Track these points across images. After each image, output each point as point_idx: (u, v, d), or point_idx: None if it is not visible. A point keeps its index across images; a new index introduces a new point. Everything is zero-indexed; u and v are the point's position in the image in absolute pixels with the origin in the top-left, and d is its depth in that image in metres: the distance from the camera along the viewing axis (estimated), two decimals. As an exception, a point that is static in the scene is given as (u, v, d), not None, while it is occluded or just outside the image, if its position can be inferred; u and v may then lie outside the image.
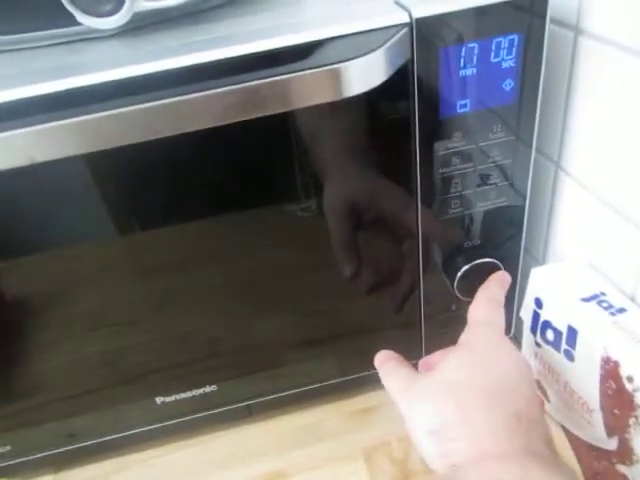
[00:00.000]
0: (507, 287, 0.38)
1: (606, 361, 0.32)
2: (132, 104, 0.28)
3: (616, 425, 0.33)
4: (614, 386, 0.32)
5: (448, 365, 0.32)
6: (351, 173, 0.38)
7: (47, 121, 0.28)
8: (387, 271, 0.43)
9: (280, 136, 0.35)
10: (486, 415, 0.28)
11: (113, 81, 0.30)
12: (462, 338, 0.34)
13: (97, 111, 0.28)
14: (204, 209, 0.38)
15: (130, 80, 0.30)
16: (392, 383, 0.34)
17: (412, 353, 0.48)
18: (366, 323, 0.46)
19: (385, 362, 0.36)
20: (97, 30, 0.33)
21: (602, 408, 0.33)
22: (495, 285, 0.37)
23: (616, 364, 0.31)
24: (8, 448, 0.44)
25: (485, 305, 0.35)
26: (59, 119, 0.28)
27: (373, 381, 0.49)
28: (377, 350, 0.47)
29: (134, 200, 0.37)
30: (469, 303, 0.44)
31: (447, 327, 0.46)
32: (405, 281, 0.43)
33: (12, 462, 0.45)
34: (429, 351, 0.47)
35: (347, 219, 0.39)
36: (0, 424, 0.43)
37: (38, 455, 0.46)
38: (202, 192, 0.38)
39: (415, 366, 0.48)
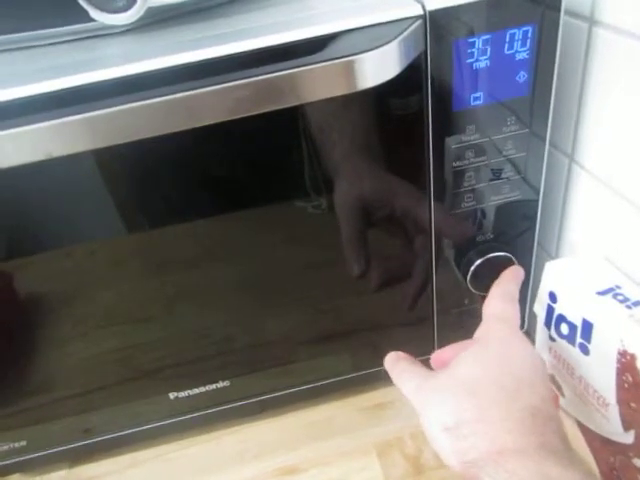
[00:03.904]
0: (521, 281, 0.38)
1: (623, 354, 0.31)
2: (146, 99, 0.28)
3: (633, 419, 0.32)
4: (631, 379, 0.31)
5: (463, 361, 0.31)
6: (363, 170, 0.38)
7: (62, 116, 0.28)
8: (397, 269, 0.43)
9: (291, 132, 0.35)
10: (501, 411, 0.28)
11: (127, 76, 0.30)
12: (477, 334, 0.34)
13: (111, 106, 0.28)
14: (216, 206, 0.38)
15: (143, 75, 0.30)
16: (405, 383, 0.34)
17: (424, 348, 0.47)
18: (379, 318, 0.46)
19: (396, 363, 0.36)
20: (110, 26, 0.33)
21: (618, 402, 0.33)
22: (509, 280, 0.37)
23: (633, 357, 0.31)
24: (23, 443, 0.45)
25: (499, 300, 0.35)
26: (74, 114, 0.28)
27: (386, 376, 0.49)
28: (390, 345, 0.47)
29: (146, 197, 0.37)
30: (482, 297, 0.44)
31: (460, 322, 0.46)
32: (416, 279, 0.43)
33: (27, 457, 0.46)
34: (442, 346, 0.47)
35: (358, 217, 0.39)
36: (16, 420, 0.44)
37: (53, 450, 0.46)
38: (214, 189, 0.38)
39: (426, 362, 0.48)
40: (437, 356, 0.37)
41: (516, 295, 0.36)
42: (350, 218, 0.39)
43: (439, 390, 0.31)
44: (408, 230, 0.41)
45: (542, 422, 0.28)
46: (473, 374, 0.30)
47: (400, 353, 0.36)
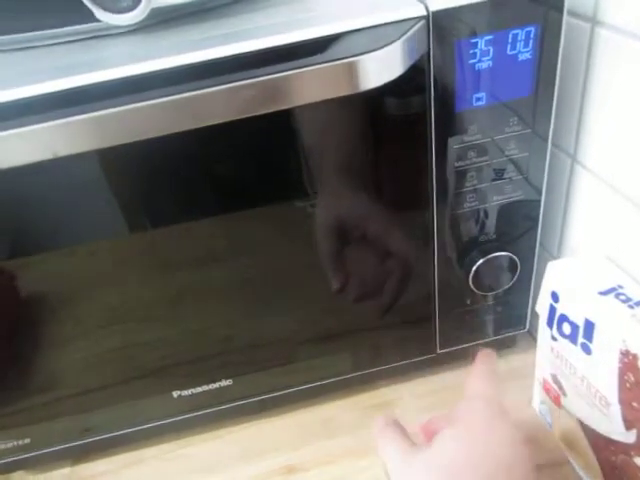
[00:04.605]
0: (495, 361, 0.37)
1: (625, 354, 0.31)
2: (151, 98, 0.28)
3: (635, 418, 0.32)
4: (633, 379, 0.31)
5: (446, 440, 0.31)
6: (348, 187, 0.38)
7: (67, 116, 0.28)
8: (374, 285, 0.44)
9: (291, 134, 0.35)
10: None
11: (132, 76, 0.30)
12: (459, 412, 0.33)
13: (116, 106, 0.28)
14: (218, 206, 0.38)
15: (148, 75, 0.30)
16: (388, 455, 0.34)
17: (426, 348, 0.48)
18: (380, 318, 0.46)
19: (383, 429, 0.36)
20: (115, 26, 0.34)
21: (620, 401, 0.33)
22: (486, 360, 0.37)
23: (635, 357, 0.31)
24: (27, 441, 0.45)
25: (481, 379, 0.35)
26: (79, 114, 0.28)
27: (387, 376, 0.50)
28: (391, 344, 0.48)
29: (149, 197, 0.38)
30: (484, 297, 0.45)
31: (462, 322, 0.46)
32: (386, 296, 0.44)
33: (31, 454, 0.46)
34: (443, 346, 0.48)
35: (338, 234, 0.40)
36: (20, 417, 0.44)
37: (56, 448, 0.46)
38: (216, 189, 0.38)
39: (427, 362, 0.48)
40: (425, 426, 0.37)
41: (496, 374, 0.36)
42: (329, 236, 0.40)
43: (419, 471, 0.31)
44: (382, 251, 0.42)
45: None
46: (454, 455, 0.31)
47: (389, 418, 0.36)
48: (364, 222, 0.41)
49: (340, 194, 0.39)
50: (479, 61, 0.33)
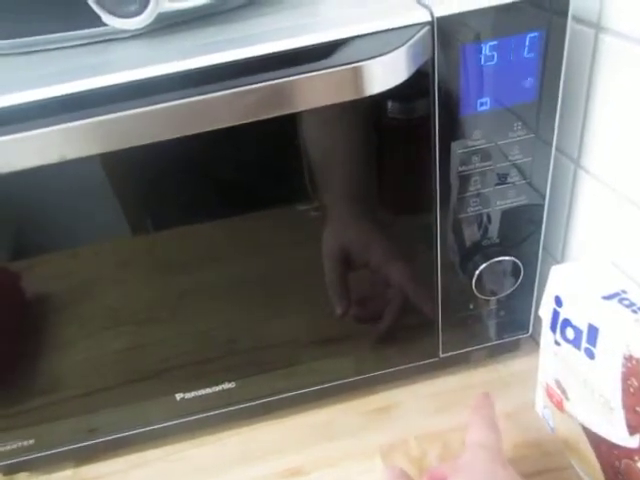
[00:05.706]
0: (493, 404, 0.38)
1: (628, 359, 0.31)
2: (157, 102, 0.29)
3: (638, 423, 0.32)
4: (636, 384, 0.32)
5: None
6: (351, 214, 0.39)
7: (76, 119, 0.28)
8: (376, 309, 0.45)
9: (296, 138, 0.35)
10: None
11: (139, 80, 0.30)
12: (462, 461, 0.34)
13: (123, 109, 0.28)
14: (221, 208, 0.38)
15: (155, 79, 0.30)
16: None
17: (429, 351, 0.48)
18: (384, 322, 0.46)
19: (394, 468, 0.37)
20: (122, 31, 0.34)
21: (624, 406, 0.33)
22: (484, 406, 0.38)
23: (638, 362, 0.31)
24: (32, 442, 0.45)
25: (480, 427, 0.36)
26: (87, 117, 0.28)
27: (389, 379, 0.50)
28: (394, 348, 0.48)
29: (152, 199, 0.38)
30: (487, 301, 0.45)
31: (465, 326, 0.46)
32: (386, 319, 0.45)
33: (35, 455, 0.46)
34: (446, 350, 0.48)
35: (341, 262, 0.41)
36: (24, 418, 0.44)
37: (59, 449, 0.46)
38: (219, 192, 0.38)
39: (430, 365, 0.48)
40: (431, 474, 0.37)
41: (495, 420, 0.36)
42: (335, 262, 0.41)
43: None
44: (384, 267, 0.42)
45: None
46: None
47: (398, 469, 0.37)
48: (368, 229, 0.41)
49: (344, 198, 0.39)
50: (483, 66, 0.34)
